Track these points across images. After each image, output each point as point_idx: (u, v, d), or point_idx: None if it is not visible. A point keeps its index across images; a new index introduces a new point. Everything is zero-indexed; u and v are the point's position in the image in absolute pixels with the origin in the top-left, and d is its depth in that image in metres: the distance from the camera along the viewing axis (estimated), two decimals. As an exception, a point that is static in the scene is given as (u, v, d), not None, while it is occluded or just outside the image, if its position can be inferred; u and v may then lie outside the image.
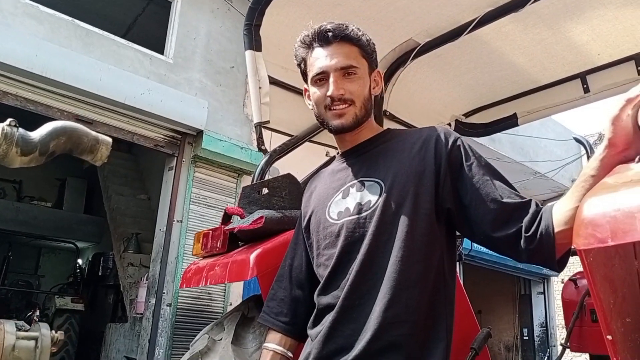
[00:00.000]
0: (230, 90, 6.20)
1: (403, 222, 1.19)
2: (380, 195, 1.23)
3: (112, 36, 5.28)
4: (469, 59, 2.37)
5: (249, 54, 2.06)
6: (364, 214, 1.23)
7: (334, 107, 1.27)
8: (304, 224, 1.41)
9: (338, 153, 1.44)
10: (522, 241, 1.12)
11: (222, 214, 2.40)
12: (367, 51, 1.32)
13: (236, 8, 6.20)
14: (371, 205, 1.23)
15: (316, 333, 1.25)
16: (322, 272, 1.29)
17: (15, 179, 10.29)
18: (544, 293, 11.91)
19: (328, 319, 1.22)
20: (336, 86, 1.26)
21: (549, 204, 1.12)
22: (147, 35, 6.41)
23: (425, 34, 2.27)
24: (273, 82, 2.15)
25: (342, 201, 1.29)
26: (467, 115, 2.72)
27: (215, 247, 2.27)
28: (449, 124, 2.72)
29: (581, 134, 10.29)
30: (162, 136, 5.50)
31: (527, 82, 2.50)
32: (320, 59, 1.29)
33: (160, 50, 5.77)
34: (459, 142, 1.26)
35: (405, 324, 1.14)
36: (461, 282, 2.50)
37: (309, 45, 1.32)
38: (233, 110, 6.17)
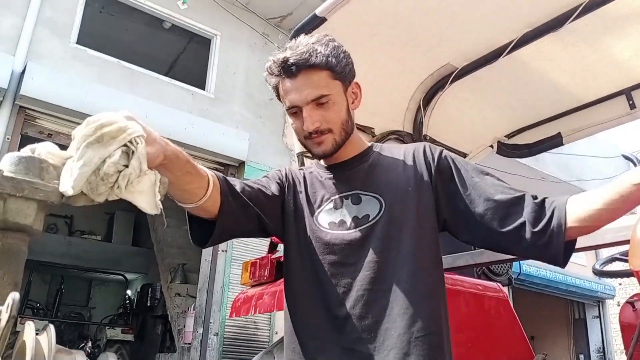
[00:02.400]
0: (269, 122, 6.33)
1: (410, 237, 1.18)
2: (380, 211, 1.21)
3: (155, 75, 5.50)
4: (508, 80, 2.36)
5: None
6: (363, 227, 1.20)
7: (312, 138, 1.23)
8: (285, 195, 1.30)
9: (319, 162, 1.37)
10: (528, 236, 1.10)
11: (268, 243, 2.44)
12: (337, 71, 1.23)
13: (272, 42, 6.37)
14: (370, 219, 1.21)
15: (318, 348, 1.17)
16: (305, 277, 1.23)
17: (67, 214, 10.70)
18: (599, 316, 11.39)
19: (340, 338, 1.15)
20: (310, 120, 1.20)
21: (560, 198, 1.10)
22: (188, 72, 6.64)
23: (463, 58, 2.27)
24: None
25: (334, 211, 1.25)
26: (509, 136, 2.69)
27: (262, 275, 2.31)
28: (491, 146, 2.69)
29: (629, 150, 9.96)
30: (206, 168, 5.64)
31: (571, 101, 2.46)
32: (290, 93, 1.22)
33: (202, 86, 5.96)
34: (445, 154, 1.27)
35: (434, 336, 1.12)
36: (512, 306, 2.44)
37: (277, 75, 1.24)
38: (273, 141, 6.29)
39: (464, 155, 2.66)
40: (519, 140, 2.67)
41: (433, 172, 1.24)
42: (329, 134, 1.24)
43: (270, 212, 1.25)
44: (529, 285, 9.16)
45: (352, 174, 1.29)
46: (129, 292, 10.93)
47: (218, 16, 6.13)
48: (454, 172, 1.23)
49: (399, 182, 1.24)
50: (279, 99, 1.30)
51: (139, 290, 10.04)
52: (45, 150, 0.85)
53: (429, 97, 2.48)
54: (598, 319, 11.29)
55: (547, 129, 2.58)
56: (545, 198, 1.14)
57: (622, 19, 2.00)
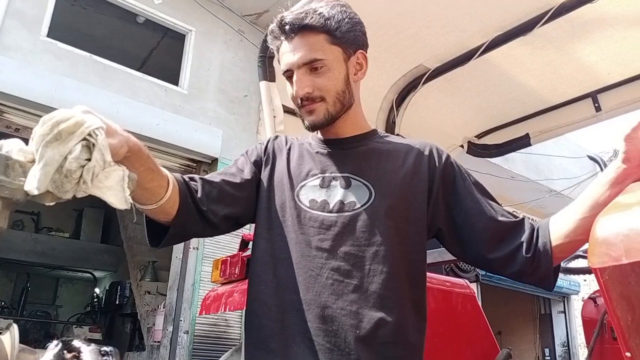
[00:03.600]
0: (243, 119, 6.30)
1: (394, 236, 1.11)
2: (368, 201, 1.13)
3: (128, 70, 5.42)
4: (479, 82, 2.41)
5: (263, 84, 2.12)
6: (346, 214, 1.12)
7: (304, 105, 1.16)
8: (262, 170, 1.23)
9: (315, 135, 1.28)
10: (520, 262, 1.09)
11: (240, 240, 2.44)
12: (336, 35, 1.15)
13: (248, 39, 6.34)
14: (355, 207, 1.12)
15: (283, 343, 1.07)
16: (272, 252, 1.14)
17: (33, 211, 10.45)
18: (564, 312, 11.70)
19: (301, 325, 1.06)
20: (300, 85, 1.13)
21: (543, 220, 1.12)
22: (162, 67, 6.56)
23: (435, 59, 2.31)
24: (287, 110, 2.20)
25: (318, 190, 1.16)
26: (479, 136, 2.75)
27: (233, 273, 2.31)
28: (462, 146, 2.75)
29: (595, 151, 10.24)
30: (178, 165, 5.59)
31: (538, 103, 2.53)
32: (286, 54, 1.16)
33: (175, 82, 5.90)
34: (451, 160, 1.22)
35: (398, 346, 1.06)
36: (479, 303, 2.50)
37: (277, 37, 1.18)
38: (247, 138, 6.26)
39: (435, 154, 2.71)
40: (488, 140, 2.73)
41: (436, 175, 1.18)
42: (321, 103, 1.15)
43: (242, 201, 1.18)
44: (496, 282, 9.35)
45: (347, 154, 1.20)
46: (97, 290, 10.75)
47: (193, 12, 6.06)
48: (460, 181, 1.19)
49: (395, 176, 1.16)
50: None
51: (107, 288, 9.89)
52: (16, 147, 0.84)
53: (401, 98, 2.52)
54: (563, 314, 11.59)
55: (515, 130, 2.64)
56: (533, 223, 1.14)
57: (589, 24, 2.06)
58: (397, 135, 2.59)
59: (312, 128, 1.19)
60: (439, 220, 1.18)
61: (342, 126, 1.22)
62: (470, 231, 1.15)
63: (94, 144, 0.83)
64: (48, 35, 4.92)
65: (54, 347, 0.87)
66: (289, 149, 1.26)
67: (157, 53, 7.19)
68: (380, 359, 1.05)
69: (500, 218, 1.14)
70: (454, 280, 2.27)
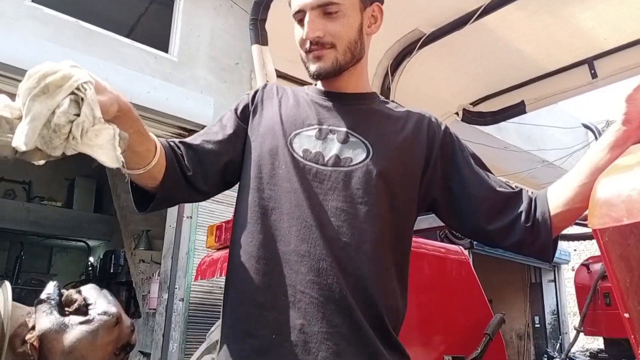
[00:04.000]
0: (235, 87, 6.22)
1: (387, 197, 1.08)
2: (365, 159, 1.08)
3: (115, 36, 5.30)
4: (475, 47, 2.37)
5: (255, 48, 2.07)
6: (340, 169, 1.07)
7: (312, 51, 1.11)
8: (250, 121, 1.18)
9: (315, 84, 1.24)
10: (519, 232, 1.07)
11: (234, 208, 2.43)
12: None
13: (239, 5, 6.21)
14: (351, 163, 1.08)
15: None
16: (260, 202, 1.08)
17: (25, 180, 10.38)
18: (554, 281, 11.89)
19: (294, 278, 1.01)
20: (311, 27, 1.08)
21: (542, 190, 1.10)
22: (151, 34, 6.43)
23: (431, 23, 2.27)
24: (280, 75, 2.16)
25: (313, 140, 1.10)
26: (474, 104, 2.72)
27: (228, 239, 2.30)
28: (457, 113, 2.72)
29: (588, 121, 10.23)
30: (170, 133, 5.53)
31: (534, 70, 2.50)
32: None
33: (165, 49, 5.79)
34: (450, 130, 1.20)
35: (384, 309, 1.03)
36: (473, 269, 2.52)
37: None
38: (239, 106, 6.19)
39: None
40: (483, 107, 2.71)
41: (435, 144, 1.14)
42: (331, 49, 1.10)
43: (225, 157, 1.13)
44: (488, 251, 9.45)
45: (347, 110, 1.15)
46: (91, 259, 10.78)
47: (181, -24, 5.92)
48: (458, 151, 1.16)
49: (394, 139, 1.12)
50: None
51: (101, 257, 9.92)
52: (2, 103, 0.81)
53: (396, 63, 2.48)
54: (553, 283, 11.77)
55: (510, 97, 2.62)
56: (531, 193, 1.11)
57: (587, -13, 2.03)
58: (393, 101, 2.56)
59: (317, 76, 1.13)
60: (434, 189, 1.15)
61: (346, 80, 1.17)
62: (468, 202, 1.12)
63: (82, 99, 0.80)
64: (33, 1, 4.79)
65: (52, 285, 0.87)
66: (282, 95, 1.21)
67: (145, 19, 7.04)
68: (372, 315, 1.02)
69: (499, 189, 1.12)
70: (449, 246, 2.27)
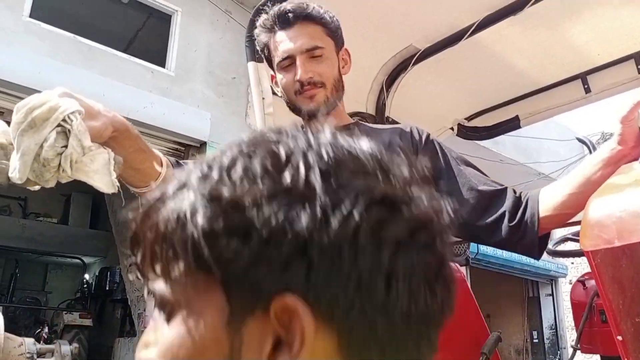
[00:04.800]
0: (232, 101, 6.24)
1: None
2: None
3: (113, 51, 5.32)
4: (469, 63, 2.38)
5: (251, 65, 2.07)
6: None
7: (304, 91, 1.20)
8: None
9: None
10: (505, 229, 1.10)
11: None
12: (331, 29, 1.26)
13: (236, 20, 6.25)
14: None
15: None
16: None
17: (21, 196, 10.35)
18: (552, 295, 11.88)
19: None
20: (304, 69, 1.19)
21: (534, 190, 1.13)
22: (148, 49, 6.46)
23: (425, 39, 2.27)
24: (275, 92, 2.17)
25: None
26: (469, 119, 2.72)
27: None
28: (452, 128, 2.72)
29: (583, 133, 10.30)
30: (166, 148, 5.53)
31: (528, 84, 2.50)
32: (284, 42, 1.21)
33: (162, 64, 5.81)
34: (431, 137, 1.26)
35: None
36: (469, 285, 2.50)
37: (270, 29, 1.24)
38: (236, 121, 6.20)
39: (425, 137, 2.69)
40: (478, 122, 2.71)
41: (418, 152, 1.21)
42: (321, 89, 1.21)
43: None
44: (485, 265, 9.44)
45: None
46: (86, 276, 10.71)
47: (178, -8, 5.97)
48: (440, 157, 1.21)
49: None
50: (268, 62, 1.29)
51: (97, 274, 9.86)
52: None
53: (391, 79, 2.48)
54: (551, 297, 11.76)
55: (505, 112, 2.62)
56: (522, 192, 1.15)
57: (579, 3, 2.04)
58: (387, 117, 2.56)
59: (313, 115, 1.21)
60: None
61: (331, 118, 1.24)
62: (452, 202, 1.15)
63: (69, 130, 0.80)
64: (31, 16, 4.82)
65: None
66: None
67: (142, 34, 7.08)
68: None
69: (482, 187, 1.16)
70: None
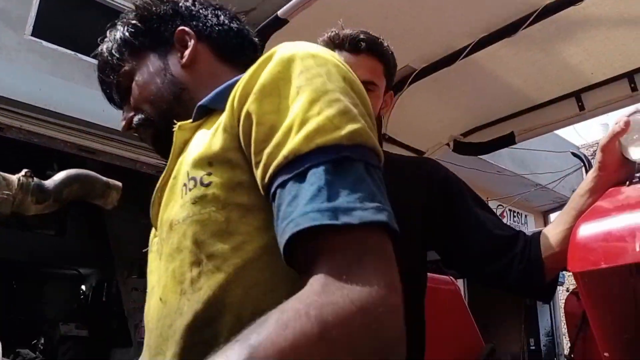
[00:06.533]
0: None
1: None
2: None
3: (114, 67, 5.36)
4: (465, 82, 2.44)
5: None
6: None
7: None
8: None
9: None
10: (514, 274, 1.12)
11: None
12: (390, 71, 1.28)
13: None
14: None
15: None
16: None
17: (19, 208, 10.31)
18: (549, 304, 11.87)
19: None
20: None
21: (536, 231, 1.15)
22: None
23: (421, 60, 2.33)
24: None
25: None
26: (465, 135, 2.77)
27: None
28: (448, 144, 2.77)
29: (579, 142, 10.37)
30: (164, 162, 5.56)
31: (523, 102, 2.56)
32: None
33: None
34: (449, 174, 1.27)
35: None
36: (463, 296, 2.53)
37: (337, 46, 1.24)
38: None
39: (421, 153, 2.74)
40: (474, 138, 2.76)
41: (434, 189, 1.21)
42: None
43: None
44: (483, 276, 9.41)
45: None
46: (83, 287, 10.68)
47: (178, 8, 6.03)
48: (458, 195, 1.22)
49: (395, 192, 1.18)
50: None
51: (94, 285, 9.82)
52: None
53: (388, 97, 2.54)
54: (547, 306, 11.75)
55: (500, 128, 2.67)
56: (525, 235, 1.16)
57: (574, 25, 2.10)
58: (384, 134, 2.61)
59: None
60: (435, 234, 1.21)
61: None
62: (466, 245, 1.18)
63: None
64: (32, 34, 4.87)
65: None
66: None
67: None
68: None
69: (496, 231, 1.17)
70: (438, 277, 2.29)
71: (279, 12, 1.93)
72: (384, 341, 0.49)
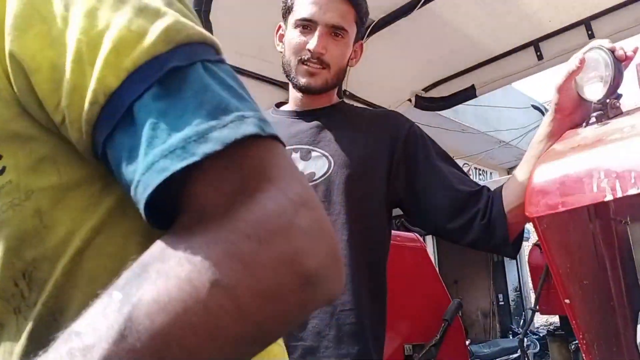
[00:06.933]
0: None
1: (353, 206, 1.11)
2: (327, 172, 1.13)
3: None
4: (424, 33, 2.37)
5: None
6: None
7: (309, 64, 1.16)
8: None
9: (277, 106, 1.33)
10: (476, 229, 1.08)
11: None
12: (361, 18, 1.22)
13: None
14: (314, 178, 1.13)
15: None
16: None
17: None
18: (515, 259, 12.23)
19: None
20: (320, 42, 1.13)
21: (497, 187, 1.12)
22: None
23: (379, 10, 2.25)
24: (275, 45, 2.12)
25: None
26: (426, 89, 2.72)
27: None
28: (410, 100, 2.72)
29: (541, 100, 10.51)
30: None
31: (483, 54, 2.51)
32: (315, 5, 1.14)
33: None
34: (414, 128, 1.21)
35: (354, 312, 1.08)
36: (432, 253, 2.54)
37: None
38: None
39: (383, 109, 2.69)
40: (435, 93, 2.71)
41: (398, 144, 1.17)
42: (325, 70, 1.16)
43: None
44: (451, 233, 9.59)
45: (312, 125, 1.20)
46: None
47: None
48: (421, 150, 1.18)
49: (355, 146, 1.16)
50: (284, 12, 1.21)
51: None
52: None
53: (347, 52, 2.46)
54: (514, 261, 12.11)
55: (461, 82, 2.63)
56: (492, 190, 1.12)
57: (529, -30, 2.04)
58: (345, 91, 2.54)
59: (306, 90, 1.19)
60: (399, 190, 1.17)
61: (320, 98, 1.22)
62: (429, 201, 1.14)
63: None
64: None
65: None
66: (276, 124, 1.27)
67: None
68: (337, 325, 1.06)
69: (459, 187, 1.13)
70: (404, 234, 2.28)
71: None
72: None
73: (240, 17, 2.05)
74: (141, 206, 0.39)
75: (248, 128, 0.39)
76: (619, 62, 0.91)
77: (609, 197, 0.69)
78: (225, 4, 1.98)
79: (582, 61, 0.93)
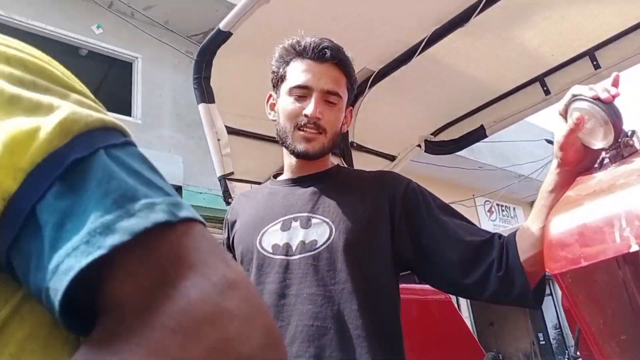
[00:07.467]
0: (203, 142, 6.12)
1: (360, 270, 1.07)
2: (329, 238, 1.10)
3: (75, 106, 5.25)
4: (426, 79, 2.35)
5: (202, 107, 2.03)
6: (308, 254, 1.09)
7: (305, 130, 1.16)
8: (230, 240, 1.28)
9: (275, 177, 1.33)
10: (494, 281, 1.01)
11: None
12: (352, 83, 1.25)
13: (197, 60, 6.23)
14: (317, 245, 1.10)
15: None
16: None
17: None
18: (551, 294, 11.82)
19: None
20: (316, 107, 1.15)
21: (510, 234, 1.05)
22: (113, 99, 6.40)
23: (378, 60, 2.24)
24: (231, 132, 2.11)
25: (279, 233, 1.14)
26: (435, 134, 2.68)
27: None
28: (419, 145, 2.68)
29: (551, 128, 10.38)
30: (140, 198, 5.43)
31: (488, 93, 2.48)
32: (309, 72, 1.17)
33: (128, 113, 5.75)
34: (412, 185, 1.19)
35: None
36: (463, 299, 2.43)
37: (299, 53, 1.20)
38: (209, 161, 6.10)
39: (393, 157, 2.64)
40: (444, 136, 2.67)
41: (397, 203, 1.15)
42: (322, 135, 1.18)
43: None
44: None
45: (306, 192, 1.20)
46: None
47: (137, 38, 5.95)
48: (423, 206, 1.15)
49: (356, 209, 1.14)
50: (276, 79, 1.23)
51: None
52: None
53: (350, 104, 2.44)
54: (550, 297, 11.70)
55: (470, 123, 2.59)
56: (503, 237, 1.07)
57: (525, 7, 2.02)
58: (352, 142, 2.51)
59: (304, 156, 1.19)
60: (405, 250, 1.13)
61: (316, 163, 1.23)
62: (439, 257, 1.10)
63: None
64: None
65: None
66: (247, 202, 1.29)
67: (105, 85, 7.02)
68: None
69: (468, 238, 1.08)
70: (427, 288, 2.18)
71: (221, 25, 1.84)
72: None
73: (240, 79, 2.06)
74: (56, 315, 0.35)
75: (158, 215, 0.37)
76: (610, 104, 0.87)
77: (634, 248, 0.62)
78: (223, 68, 2.00)
79: (580, 119, 0.88)
